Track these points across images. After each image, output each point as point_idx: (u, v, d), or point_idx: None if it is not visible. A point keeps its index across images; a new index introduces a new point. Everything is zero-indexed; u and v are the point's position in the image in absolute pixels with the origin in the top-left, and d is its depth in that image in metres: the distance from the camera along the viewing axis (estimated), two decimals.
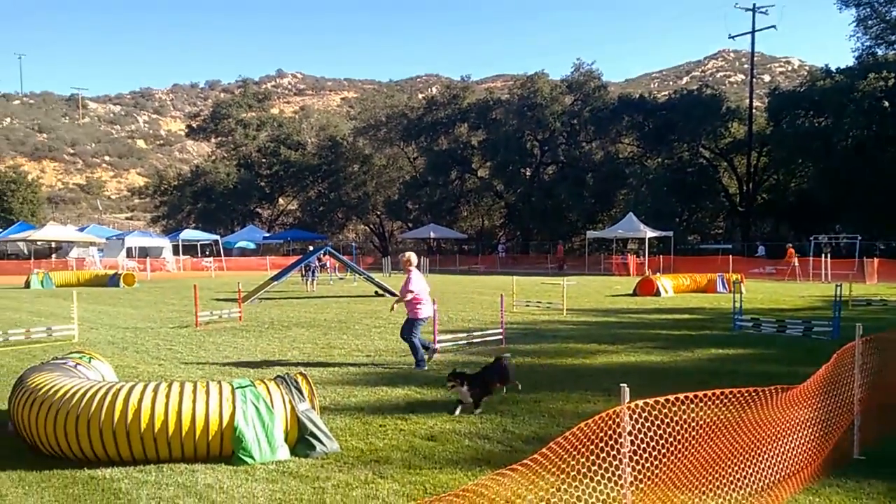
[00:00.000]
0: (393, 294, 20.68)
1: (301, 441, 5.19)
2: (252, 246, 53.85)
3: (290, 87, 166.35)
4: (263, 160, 64.00)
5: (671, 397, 3.41)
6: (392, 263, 40.23)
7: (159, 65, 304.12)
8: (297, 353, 10.14)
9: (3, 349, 10.61)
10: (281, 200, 67.31)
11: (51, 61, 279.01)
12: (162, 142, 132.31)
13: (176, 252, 44.31)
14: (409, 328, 8.98)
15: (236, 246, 52.63)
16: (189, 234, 47.76)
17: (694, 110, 42.63)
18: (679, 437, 3.49)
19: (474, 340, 10.52)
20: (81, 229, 48.42)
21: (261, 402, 5.10)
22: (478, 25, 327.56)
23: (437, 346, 9.68)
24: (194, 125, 74.75)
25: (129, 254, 41.35)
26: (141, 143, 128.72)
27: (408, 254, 9.54)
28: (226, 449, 5.00)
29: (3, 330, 11.23)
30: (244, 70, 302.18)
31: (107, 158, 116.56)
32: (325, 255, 24.46)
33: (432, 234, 50.70)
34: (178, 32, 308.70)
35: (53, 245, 45.18)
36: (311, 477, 4.74)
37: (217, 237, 47.98)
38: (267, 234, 56.59)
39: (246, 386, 5.20)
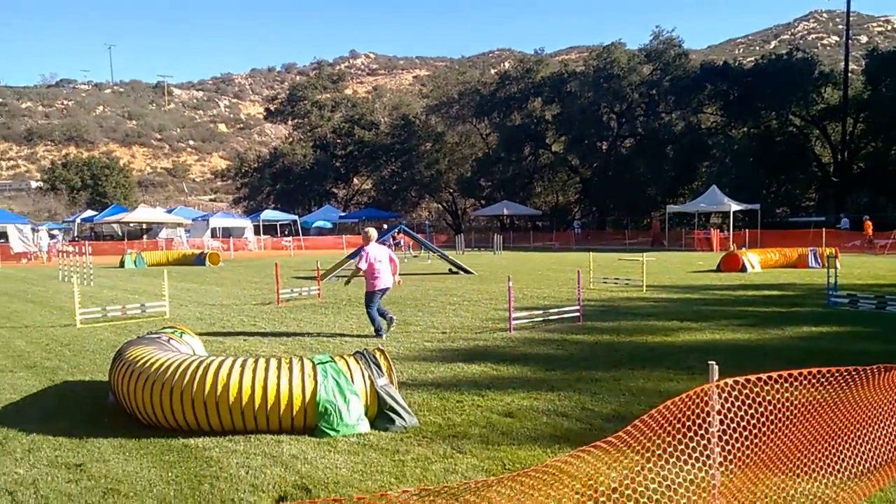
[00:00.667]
0: (467, 271, 20.74)
1: (381, 415, 5.27)
2: (328, 225, 55.15)
3: (363, 67, 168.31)
4: (338, 141, 65.22)
5: (763, 376, 3.24)
6: (465, 241, 40.31)
7: (238, 50, 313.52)
8: None
9: (103, 324, 11.28)
10: (356, 180, 68.57)
11: (138, 50, 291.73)
12: (242, 125, 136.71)
13: (257, 232, 45.96)
14: (367, 300, 9.68)
15: (314, 225, 54.02)
16: (269, 214, 49.42)
17: (783, 76, 40.29)
18: (771, 418, 3.32)
19: (550, 318, 10.40)
20: (169, 211, 50.90)
21: (341, 377, 5.21)
22: None
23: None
24: (272, 108, 76.89)
25: (214, 234, 43.14)
26: (222, 127, 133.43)
27: (368, 229, 10.10)
28: (309, 422, 5.14)
29: (102, 306, 11.92)
30: (319, 52, 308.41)
31: (191, 143, 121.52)
32: (399, 233, 24.71)
33: (506, 211, 50.39)
34: (255, 18, 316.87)
35: (144, 226, 47.62)
36: (390, 450, 4.81)
37: (295, 217, 49.39)
38: (343, 214, 57.81)
39: (326, 361, 5.31)
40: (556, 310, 10.60)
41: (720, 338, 9.12)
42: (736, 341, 8.88)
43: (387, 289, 9.77)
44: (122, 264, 27.87)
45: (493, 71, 70.75)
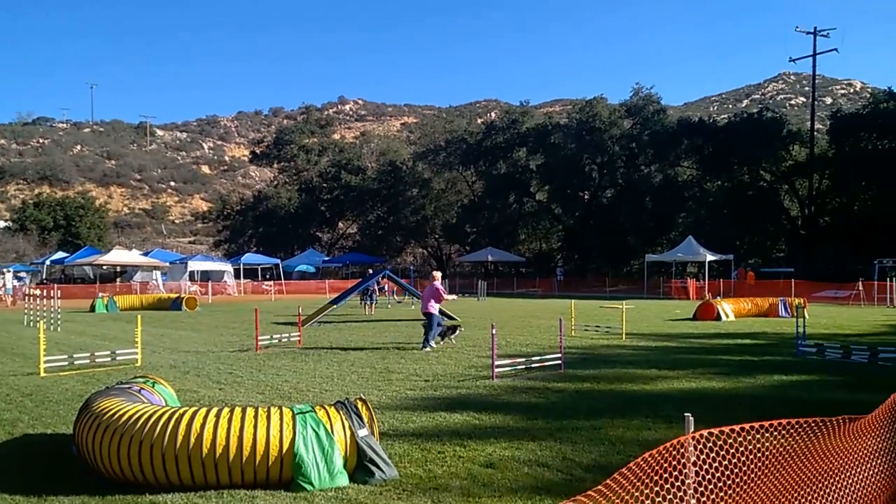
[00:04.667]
0: (451, 318, 20.68)
1: (360, 467, 5.19)
2: (312, 269, 54.85)
3: (351, 113, 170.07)
4: (324, 185, 65.56)
5: (737, 427, 3.31)
6: (450, 287, 40.29)
7: (224, 93, 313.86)
8: (356, 378, 10.22)
9: (69, 373, 10.81)
10: (340, 224, 68.70)
11: (121, 91, 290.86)
12: (226, 167, 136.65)
13: (237, 276, 45.36)
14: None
15: (296, 269, 53.70)
16: (250, 257, 48.93)
17: (754, 133, 41.98)
18: (745, 469, 3.39)
19: (533, 366, 10.43)
20: (146, 254, 49.86)
21: (321, 428, 5.12)
22: (536, 51, 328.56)
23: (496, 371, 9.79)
24: (258, 151, 77.23)
25: (192, 278, 42.38)
26: (205, 169, 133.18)
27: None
28: (285, 475, 5.02)
29: (69, 354, 11.44)
30: (307, 97, 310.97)
31: (172, 184, 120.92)
32: (383, 278, 24.70)
33: (490, 258, 50.74)
34: (242, 61, 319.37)
35: (118, 269, 46.76)
36: None
37: (277, 261, 49.05)
38: (326, 258, 57.63)
39: (306, 411, 5.23)
40: (537, 358, 10.64)
41: (696, 386, 9.22)
42: (711, 390, 8.99)
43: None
44: (92, 308, 27.11)
45: (479, 120, 72.24)
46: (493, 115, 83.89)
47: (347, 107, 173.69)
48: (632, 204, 47.78)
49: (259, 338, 13.83)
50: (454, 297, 15.64)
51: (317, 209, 64.66)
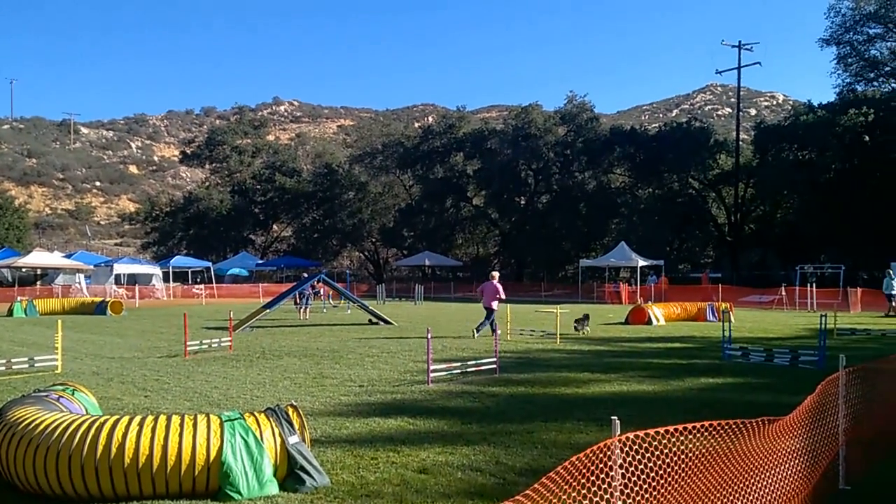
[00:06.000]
0: (388, 322, 20.62)
1: (291, 475, 5.10)
2: (245, 273, 53.66)
3: (286, 114, 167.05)
4: (258, 187, 64.21)
5: (661, 429, 3.40)
6: (387, 291, 40.18)
7: (154, 91, 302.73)
8: (289, 384, 10.05)
9: None
10: (275, 227, 67.41)
11: (43, 87, 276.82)
12: (155, 168, 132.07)
13: (166, 279, 43.86)
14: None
15: (228, 273, 52.41)
16: (180, 260, 47.36)
17: (683, 142, 43.46)
18: (670, 470, 3.49)
19: (468, 370, 10.47)
20: (68, 256, 47.70)
21: (250, 436, 5.01)
22: (473, 57, 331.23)
23: (431, 375, 9.79)
24: (188, 151, 74.91)
25: (118, 281, 40.73)
26: (133, 169, 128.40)
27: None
28: (212, 484, 4.89)
29: None
30: (240, 97, 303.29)
31: (97, 184, 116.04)
32: (318, 282, 24.39)
33: (427, 262, 50.82)
34: (173, 58, 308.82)
35: (39, 272, 44.57)
36: None
37: (209, 264, 47.69)
38: (260, 261, 56.47)
39: (235, 419, 5.11)
40: (473, 362, 10.68)
41: (627, 389, 9.46)
42: (641, 392, 9.23)
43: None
44: (10, 313, 25.86)
45: (416, 124, 72.38)
46: (430, 119, 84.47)
47: (282, 108, 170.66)
48: (566, 209, 48.78)
49: (188, 343, 13.41)
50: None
51: (250, 211, 63.31)
